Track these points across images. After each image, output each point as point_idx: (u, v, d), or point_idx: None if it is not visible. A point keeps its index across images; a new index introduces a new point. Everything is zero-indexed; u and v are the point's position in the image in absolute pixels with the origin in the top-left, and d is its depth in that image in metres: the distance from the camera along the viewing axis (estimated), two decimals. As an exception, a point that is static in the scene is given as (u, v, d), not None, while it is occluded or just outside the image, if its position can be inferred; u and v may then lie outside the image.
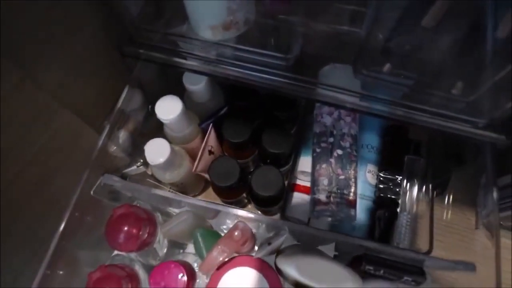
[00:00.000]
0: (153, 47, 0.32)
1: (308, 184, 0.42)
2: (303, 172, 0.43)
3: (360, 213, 0.39)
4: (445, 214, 0.47)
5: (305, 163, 0.42)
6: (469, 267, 0.31)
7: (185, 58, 0.32)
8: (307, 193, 0.43)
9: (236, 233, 0.31)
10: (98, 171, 0.35)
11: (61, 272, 0.33)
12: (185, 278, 0.30)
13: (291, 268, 0.30)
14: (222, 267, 0.34)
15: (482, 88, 0.25)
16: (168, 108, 0.36)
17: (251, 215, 0.31)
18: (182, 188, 0.42)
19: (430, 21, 0.22)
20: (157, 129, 0.41)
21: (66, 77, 0.29)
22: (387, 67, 0.26)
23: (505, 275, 0.46)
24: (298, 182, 0.45)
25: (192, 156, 0.41)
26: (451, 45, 0.23)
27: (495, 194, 0.34)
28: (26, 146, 0.29)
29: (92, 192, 0.35)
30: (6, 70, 0.24)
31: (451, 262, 0.31)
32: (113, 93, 0.36)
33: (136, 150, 0.41)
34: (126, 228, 0.32)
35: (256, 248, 0.37)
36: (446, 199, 0.47)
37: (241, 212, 0.32)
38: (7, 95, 0.25)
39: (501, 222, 0.47)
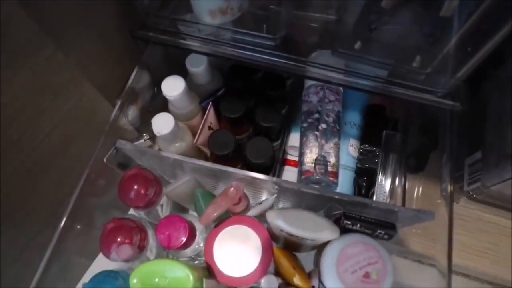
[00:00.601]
0: (161, 31, 0.37)
1: (297, 159, 0.47)
2: (292, 147, 0.48)
3: (343, 181, 0.44)
4: (416, 188, 0.52)
5: (294, 139, 0.47)
6: (429, 215, 0.35)
7: (188, 40, 0.37)
8: (296, 166, 0.48)
9: (231, 190, 0.36)
10: (110, 141, 0.40)
11: (78, 226, 0.38)
12: (187, 228, 0.35)
13: (278, 220, 0.35)
14: (219, 225, 0.39)
15: (436, 61, 0.30)
16: (173, 86, 0.41)
17: (247, 173, 0.36)
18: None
19: (387, 3, 0.27)
20: (162, 107, 0.46)
21: (89, 53, 0.34)
22: (357, 45, 0.31)
23: (480, 244, 0.51)
24: (289, 157, 0.50)
25: (194, 133, 0.46)
26: (407, 23, 0.28)
27: (448, 164, 0.39)
28: (53, 113, 0.34)
29: (105, 160, 0.40)
30: (42, 43, 0.29)
31: (414, 211, 0.36)
32: (124, 72, 0.41)
33: (143, 126, 0.46)
34: (136, 187, 0.36)
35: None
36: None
37: (238, 172, 0.37)
38: (41, 66, 0.30)
39: (474, 195, 0.51)
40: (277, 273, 0.39)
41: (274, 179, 0.36)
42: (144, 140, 0.45)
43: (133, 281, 0.32)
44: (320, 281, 0.36)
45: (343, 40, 0.32)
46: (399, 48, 0.31)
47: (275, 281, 0.37)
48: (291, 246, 0.39)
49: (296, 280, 0.37)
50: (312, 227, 0.35)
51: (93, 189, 0.38)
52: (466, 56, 0.28)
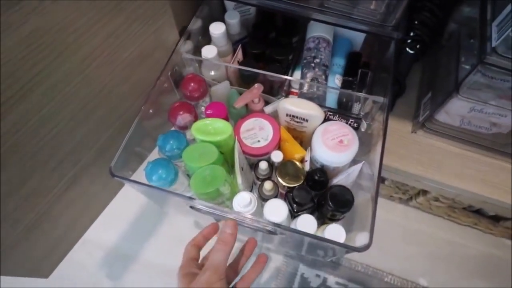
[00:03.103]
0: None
1: (298, 91, 0.66)
2: (296, 81, 0.67)
3: (330, 101, 0.63)
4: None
5: (297, 75, 0.67)
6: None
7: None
8: (297, 95, 0.67)
9: (255, 86, 0.55)
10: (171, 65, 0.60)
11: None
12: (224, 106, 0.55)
13: (286, 104, 0.54)
14: (244, 118, 0.58)
15: (384, 3, 0.50)
16: (217, 27, 0.61)
17: (266, 73, 0.56)
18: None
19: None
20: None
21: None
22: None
23: (429, 161, 0.68)
24: (292, 90, 0.69)
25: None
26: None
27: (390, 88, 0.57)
28: (140, 38, 0.53)
29: (169, 74, 0.60)
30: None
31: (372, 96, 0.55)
32: (187, 17, 0.61)
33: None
34: (192, 84, 0.56)
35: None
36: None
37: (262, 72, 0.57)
38: None
39: (427, 126, 0.70)
40: (283, 152, 0.57)
41: (288, 77, 0.57)
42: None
43: (192, 131, 0.51)
44: (311, 152, 0.55)
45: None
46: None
47: (280, 155, 0.55)
48: (295, 136, 0.58)
49: (297, 156, 0.56)
50: (306, 107, 0.54)
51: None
52: (399, 2, 0.48)
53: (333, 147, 0.52)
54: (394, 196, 0.86)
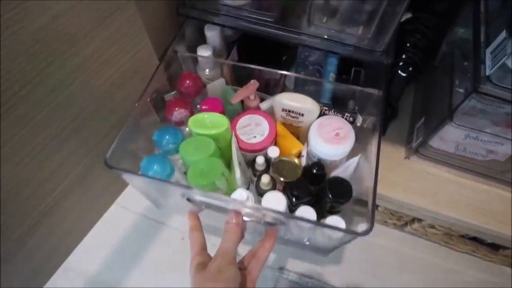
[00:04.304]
0: (197, 10, 0.56)
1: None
2: (291, 76, 0.62)
3: (325, 96, 0.62)
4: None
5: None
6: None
7: (215, 16, 0.55)
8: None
9: (251, 82, 0.54)
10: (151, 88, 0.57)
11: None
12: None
13: (283, 98, 0.53)
14: (240, 115, 0.56)
15: (372, 29, 0.48)
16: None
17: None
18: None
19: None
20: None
21: (149, 19, 0.53)
22: (324, 19, 0.49)
23: (423, 188, 0.65)
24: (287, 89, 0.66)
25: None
26: (353, 3, 0.46)
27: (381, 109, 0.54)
28: (122, 56, 0.51)
29: (148, 100, 0.57)
30: (129, 5, 0.47)
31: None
32: (168, 38, 0.59)
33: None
34: (188, 81, 0.57)
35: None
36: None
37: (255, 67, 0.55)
38: (113, 17, 0.47)
39: (420, 152, 0.67)
40: (280, 147, 0.55)
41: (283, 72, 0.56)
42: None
43: (189, 124, 0.50)
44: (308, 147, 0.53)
45: (314, 15, 0.50)
46: (349, 20, 0.48)
47: (277, 150, 0.54)
48: (291, 132, 0.58)
49: (294, 151, 0.56)
50: (302, 101, 0.52)
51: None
52: (388, 25, 0.46)
53: (329, 140, 0.51)
54: (388, 222, 0.83)
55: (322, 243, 0.57)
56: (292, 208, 0.50)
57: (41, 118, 0.43)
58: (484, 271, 0.81)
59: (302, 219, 0.45)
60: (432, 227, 0.76)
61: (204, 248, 0.44)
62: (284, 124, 0.58)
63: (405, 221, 0.80)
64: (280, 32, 0.52)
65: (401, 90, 0.70)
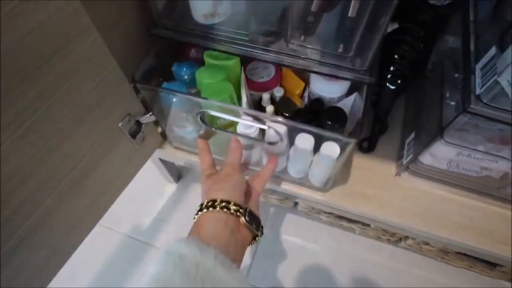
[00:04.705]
0: (170, 30, 0.52)
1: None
2: None
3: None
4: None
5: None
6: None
7: (188, 36, 0.52)
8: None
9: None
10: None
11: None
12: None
13: None
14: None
15: (353, 48, 0.44)
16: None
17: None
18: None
19: (315, 7, 0.42)
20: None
21: (118, 41, 0.49)
22: (302, 38, 0.46)
23: (415, 207, 0.62)
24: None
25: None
26: (331, 22, 0.43)
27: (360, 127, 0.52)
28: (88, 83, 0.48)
29: (120, 125, 0.54)
30: (89, 31, 0.43)
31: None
32: (140, 58, 0.56)
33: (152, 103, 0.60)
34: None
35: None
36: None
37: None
38: (71, 45, 0.43)
39: (411, 169, 0.64)
40: (285, 89, 0.61)
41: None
42: (150, 115, 0.59)
43: (204, 56, 0.57)
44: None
45: (292, 35, 0.47)
46: (328, 40, 0.45)
47: (281, 90, 0.59)
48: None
49: (297, 91, 0.61)
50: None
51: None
52: (370, 43, 0.43)
53: (328, 78, 0.51)
54: (382, 238, 0.80)
55: (318, 173, 0.59)
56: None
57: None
58: (482, 286, 0.78)
59: (301, 126, 0.49)
60: (427, 243, 0.73)
61: (212, 164, 0.51)
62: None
63: (398, 237, 0.77)
64: (256, 52, 0.49)
65: (391, 103, 0.67)
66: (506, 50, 0.42)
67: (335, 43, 0.45)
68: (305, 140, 0.51)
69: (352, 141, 0.48)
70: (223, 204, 0.40)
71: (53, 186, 0.48)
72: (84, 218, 0.57)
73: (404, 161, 0.64)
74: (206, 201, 0.41)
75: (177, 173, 0.93)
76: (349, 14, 0.41)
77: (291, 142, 0.54)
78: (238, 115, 0.51)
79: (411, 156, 0.61)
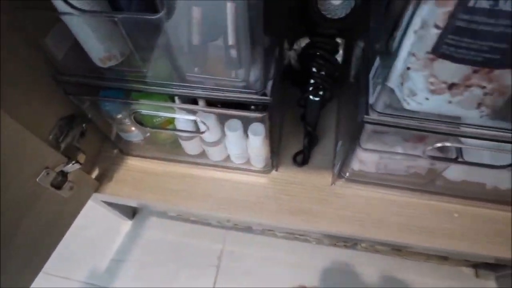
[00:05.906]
0: (75, 76, 0.52)
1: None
2: None
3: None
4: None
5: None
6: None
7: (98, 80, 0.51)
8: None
9: None
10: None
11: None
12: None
13: None
14: None
15: (244, 70, 0.45)
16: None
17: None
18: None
19: (195, 40, 0.42)
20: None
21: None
22: (195, 69, 0.46)
23: (353, 213, 0.62)
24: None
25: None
26: (219, 51, 0.43)
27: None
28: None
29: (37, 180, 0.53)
30: None
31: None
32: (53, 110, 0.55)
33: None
34: None
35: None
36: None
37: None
38: None
39: (343, 175, 0.64)
40: None
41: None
42: (73, 164, 0.58)
43: None
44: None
45: (187, 67, 0.47)
46: (219, 66, 0.46)
47: None
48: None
49: None
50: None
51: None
52: (262, 64, 0.44)
53: None
54: (338, 244, 0.80)
55: (254, 153, 0.61)
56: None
57: None
58: (442, 276, 0.79)
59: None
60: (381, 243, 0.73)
61: None
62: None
63: (353, 242, 0.77)
64: (154, 87, 0.49)
65: (317, 114, 0.67)
66: (393, 53, 0.43)
67: (226, 69, 0.46)
68: (232, 125, 0.56)
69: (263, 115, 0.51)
70: None
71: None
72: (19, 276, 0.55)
73: (335, 170, 0.64)
74: None
75: (131, 210, 0.91)
76: (229, 43, 0.41)
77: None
78: (171, 111, 0.54)
79: (339, 164, 0.62)
